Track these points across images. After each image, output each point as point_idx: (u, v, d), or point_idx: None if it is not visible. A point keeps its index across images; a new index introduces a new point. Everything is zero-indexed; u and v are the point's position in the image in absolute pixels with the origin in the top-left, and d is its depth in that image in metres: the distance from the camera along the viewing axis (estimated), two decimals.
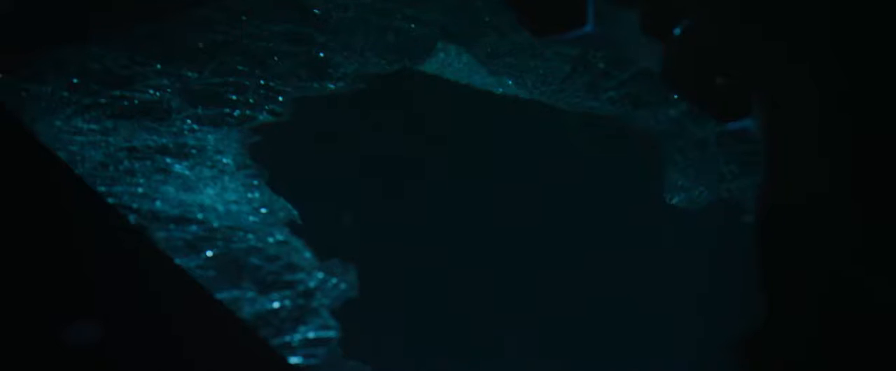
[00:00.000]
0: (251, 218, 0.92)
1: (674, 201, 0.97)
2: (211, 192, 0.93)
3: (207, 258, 0.87)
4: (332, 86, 1.02)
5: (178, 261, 0.86)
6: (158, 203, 0.90)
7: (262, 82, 1.00)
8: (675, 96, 1.00)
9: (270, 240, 0.90)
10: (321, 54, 1.04)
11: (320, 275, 0.89)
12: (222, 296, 0.85)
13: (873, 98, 0.83)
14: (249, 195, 0.93)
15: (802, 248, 0.84)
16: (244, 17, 1.03)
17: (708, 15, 0.90)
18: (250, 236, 0.90)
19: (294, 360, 0.84)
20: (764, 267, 0.84)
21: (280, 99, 1.00)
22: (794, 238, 0.84)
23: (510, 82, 1.05)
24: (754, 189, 0.97)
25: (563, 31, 0.97)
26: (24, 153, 0.89)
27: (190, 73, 0.98)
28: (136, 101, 0.96)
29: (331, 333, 0.87)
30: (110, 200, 0.88)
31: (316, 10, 1.05)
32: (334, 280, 0.89)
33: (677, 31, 0.90)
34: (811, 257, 0.83)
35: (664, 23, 0.90)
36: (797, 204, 0.85)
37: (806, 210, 0.85)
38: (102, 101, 0.95)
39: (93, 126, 0.94)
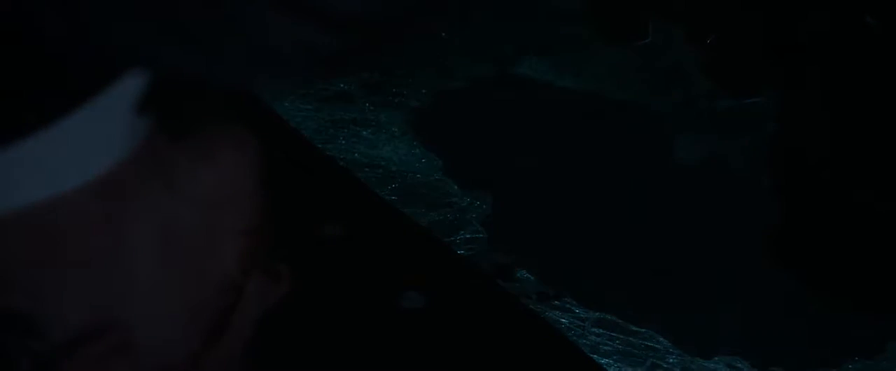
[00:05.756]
0: (416, 164, 1.34)
1: (681, 156, 1.41)
2: (388, 149, 1.35)
3: (392, 188, 1.29)
4: (458, 84, 1.46)
5: (374, 189, 1.28)
6: (356, 154, 1.32)
7: (410, 81, 1.44)
8: (684, 85, 1.46)
9: (430, 178, 1.33)
10: (448, 63, 1.49)
11: (468, 199, 1.32)
12: (407, 211, 1.27)
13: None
14: (412, 151, 1.36)
15: (803, 173, 1.27)
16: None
17: (731, 32, 1.34)
18: (418, 175, 1.32)
19: (460, 252, 1.26)
20: (776, 191, 1.27)
21: (423, 92, 1.44)
22: (797, 167, 1.27)
23: (570, 78, 1.51)
24: (741, 146, 1.41)
25: (630, 42, 1.43)
26: (270, 124, 1.32)
27: (366, 75, 1.43)
28: (332, 92, 1.40)
29: (480, 235, 1.29)
30: (326, 153, 1.31)
31: (443, 34, 1.50)
32: (477, 202, 1.32)
33: (708, 41, 1.35)
34: (807, 178, 1.26)
35: (701, 35, 1.35)
36: (799, 147, 1.28)
37: (806, 150, 1.28)
38: (312, 91, 1.39)
39: (308, 107, 1.37)
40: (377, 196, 1.27)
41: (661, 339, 1.18)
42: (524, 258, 1.25)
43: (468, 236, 1.26)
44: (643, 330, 1.19)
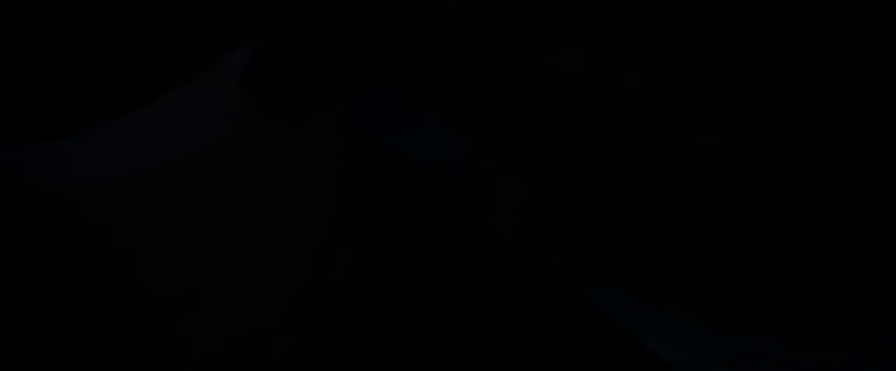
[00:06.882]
0: (447, 152, 1.39)
1: (703, 147, 1.47)
2: (418, 138, 1.41)
3: (427, 173, 1.35)
4: (486, 76, 1.51)
5: (410, 174, 1.33)
6: (389, 140, 1.38)
7: (437, 72, 1.49)
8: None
9: (463, 165, 1.38)
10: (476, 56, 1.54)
11: (501, 185, 1.37)
12: (443, 196, 1.32)
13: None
14: (444, 140, 1.41)
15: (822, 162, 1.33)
16: None
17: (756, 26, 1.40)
18: (451, 162, 1.38)
19: (495, 236, 1.31)
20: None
21: (451, 82, 1.49)
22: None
23: (597, 70, 1.56)
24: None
25: (657, 35, 1.49)
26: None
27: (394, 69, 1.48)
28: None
29: (513, 221, 1.34)
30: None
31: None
32: (511, 189, 1.37)
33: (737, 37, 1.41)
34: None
35: (730, 30, 1.42)
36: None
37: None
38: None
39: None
40: (417, 180, 1.31)
41: (690, 313, 1.23)
42: (556, 243, 1.30)
43: (502, 222, 1.31)
44: (673, 305, 1.24)
